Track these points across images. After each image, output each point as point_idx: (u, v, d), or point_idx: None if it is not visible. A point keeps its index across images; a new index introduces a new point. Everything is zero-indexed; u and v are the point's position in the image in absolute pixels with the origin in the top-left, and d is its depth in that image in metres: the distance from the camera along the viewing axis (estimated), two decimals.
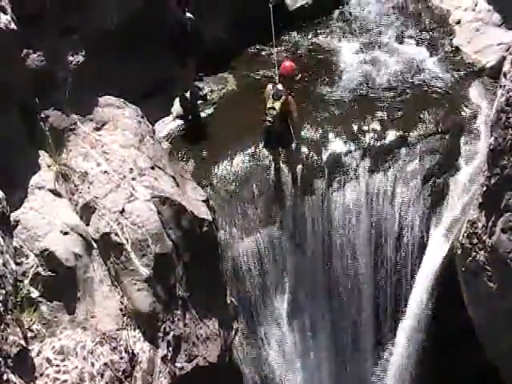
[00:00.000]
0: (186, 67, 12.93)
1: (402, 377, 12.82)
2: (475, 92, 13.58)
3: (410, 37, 14.91)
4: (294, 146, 12.23)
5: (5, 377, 6.49)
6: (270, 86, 11.81)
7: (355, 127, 12.79)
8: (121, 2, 12.08)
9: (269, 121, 11.62)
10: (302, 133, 12.60)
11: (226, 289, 11.21)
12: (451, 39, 14.67)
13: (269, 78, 13.31)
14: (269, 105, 11.62)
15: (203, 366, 10.10)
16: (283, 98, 11.56)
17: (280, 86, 11.65)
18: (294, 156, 12.36)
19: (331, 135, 12.68)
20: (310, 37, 14.94)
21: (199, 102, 13.43)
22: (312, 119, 12.95)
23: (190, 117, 13.15)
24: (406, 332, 12.53)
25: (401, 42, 14.82)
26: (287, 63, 12.07)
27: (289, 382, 12.79)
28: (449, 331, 11.86)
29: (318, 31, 15.04)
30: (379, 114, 13.03)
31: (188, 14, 12.59)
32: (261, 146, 12.27)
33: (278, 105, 11.54)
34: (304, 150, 12.50)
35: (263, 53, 14.50)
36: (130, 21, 12.08)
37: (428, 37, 14.88)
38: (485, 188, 10.73)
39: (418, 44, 14.79)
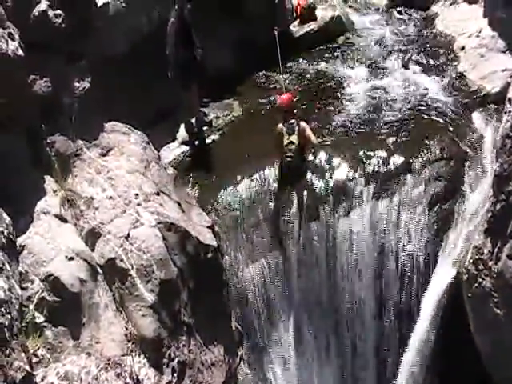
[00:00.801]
0: (190, 93, 12.98)
1: None
2: (480, 118, 13.58)
3: (415, 63, 15.02)
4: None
5: None
6: (280, 125, 11.80)
7: (360, 153, 12.76)
8: (128, 29, 12.20)
9: (290, 156, 11.70)
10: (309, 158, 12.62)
11: (231, 315, 11.19)
12: (456, 65, 14.75)
13: (273, 107, 13.41)
14: (286, 141, 11.67)
15: None
16: (296, 128, 11.62)
17: (291, 120, 11.71)
18: (301, 182, 12.37)
19: (336, 161, 12.66)
20: (315, 64, 15.09)
21: (204, 127, 13.48)
22: (317, 146, 12.95)
23: (195, 142, 13.20)
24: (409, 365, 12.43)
25: (406, 68, 14.90)
26: (284, 96, 12.12)
27: None
28: (456, 362, 11.78)
29: (323, 58, 15.20)
30: (384, 140, 13.03)
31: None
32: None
33: (294, 138, 11.62)
34: (309, 176, 12.50)
35: (268, 79, 14.67)
36: (136, 48, 12.17)
37: (433, 63, 15.00)
38: (490, 214, 10.73)
39: (422, 70, 14.89)
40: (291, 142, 11.65)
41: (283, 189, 12.28)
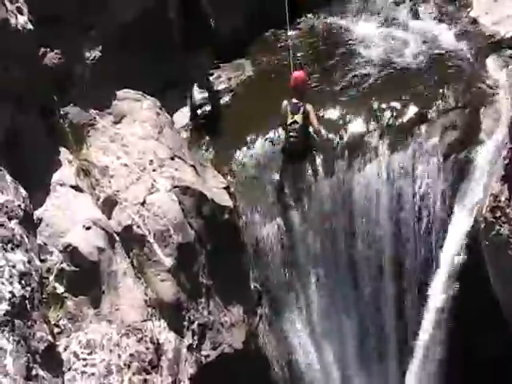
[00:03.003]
0: (200, 57, 12.95)
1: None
2: (494, 64, 13.44)
3: (426, 12, 14.82)
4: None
5: (33, 372, 6.49)
6: (285, 102, 11.71)
7: (374, 106, 12.73)
8: None
9: (293, 136, 11.62)
10: (322, 114, 12.58)
11: (249, 275, 11.34)
12: (468, 11, 14.52)
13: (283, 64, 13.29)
14: (289, 120, 11.58)
15: (229, 353, 10.26)
16: (302, 109, 11.54)
17: (295, 100, 11.62)
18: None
19: (350, 115, 12.63)
20: (325, 18, 14.92)
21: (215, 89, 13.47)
22: (330, 100, 12.93)
23: (206, 106, 13.20)
24: (431, 313, 12.53)
25: (417, 18, 14.75)
26: (297, 73, 11.96)
27: (315, 364, 12.90)
28: (474, 308, 11.85)
29: (333, 12, 15.00)
30: (398, 91, 12.97)
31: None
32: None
33: (299, 117, 11.52)
34: (323, 130, 12.43)
35: (279, 37, 14.49)
36: (146, 15, 12.14)
37: (444, 10, 14.76)
38: (507, 161, 10.75)
39: (434, 19, 14.69)
40: (295, 122, 11.56)
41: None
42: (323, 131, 12.33)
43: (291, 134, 11.62)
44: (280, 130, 12.27)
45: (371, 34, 14.41)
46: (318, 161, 12.30)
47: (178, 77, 12.82)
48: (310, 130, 11.92)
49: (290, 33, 13.64)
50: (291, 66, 12.31)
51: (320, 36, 14.59)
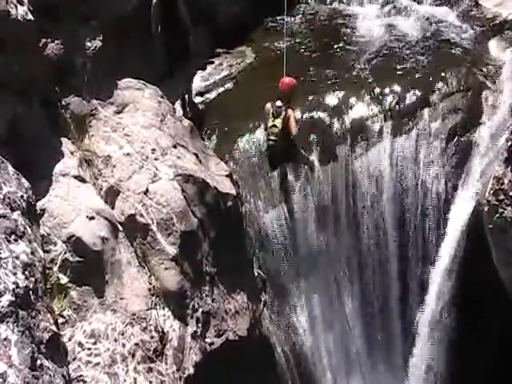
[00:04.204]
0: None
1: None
2: (496, 46, 13.49)
3: None
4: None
5: (38, 362, 6.50)
6: (268, 104, 11.63)
7: (376, 90, 12.77)
8: None
9: (272, 139, 11.54)
10: (324, 99, 12.64)
11: (253, 262, 11.37)
12: None
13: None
14: (269, 123, 11.51)
15: (233, 340, 10.28)
16: (283, 114, 11.43)
17: (279, 103, 11.50)
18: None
19: (352, 100, 12.68)
20: (326, 3, 14.91)
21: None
22: (332, 85, 12.96)
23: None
24: (433, 295, 12.56)
25: (419, 2, 14.72)
26: (287, 79, 11.77)
27: (319, 349, 12.93)
28: (476, 291, 11.87)
29: None
30: (400, 75, 13.03)
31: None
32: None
33: (278, 122, 11.40)
34: (325, 116, 12.48)
35: (280, 23, 14.48)
36: (144, 4, 12.12)
37: None
38: (510, 143, 10.73)
39: (435, 1, 14.68)
40: (274, 126, 11.47)
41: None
42: (325, 117, 12.38)
43: (270, 137, 11.56)
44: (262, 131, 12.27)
45: (373, 19, 14.39)
46: (321, 146, 12.30)
47: (181, 64, 12.82)
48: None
49: (286, 19, 13.57)
50: (284, 66, 12.07)
51: (321, 20, 14.61)
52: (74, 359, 7.84)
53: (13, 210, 7.39)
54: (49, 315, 7.32)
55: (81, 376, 7.85)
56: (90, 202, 9.26)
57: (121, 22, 11.54)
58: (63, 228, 8.76)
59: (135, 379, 8.25)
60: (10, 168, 7.82)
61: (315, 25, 14.37)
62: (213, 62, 13.67)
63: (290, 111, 11.47)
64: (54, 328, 7.26)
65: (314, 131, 12.45)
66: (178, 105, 12.94)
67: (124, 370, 8.13)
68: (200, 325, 9.69)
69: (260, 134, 12.33)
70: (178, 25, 12.32)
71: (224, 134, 12.57)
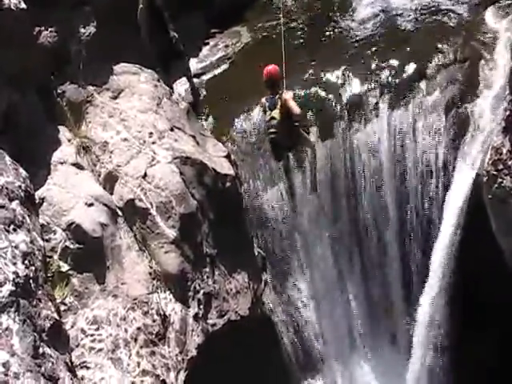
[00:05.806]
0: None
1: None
2: (493, 15, 13.28)
3: None
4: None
5: (40, 350, 6.61)
6: (263, 99, 10.99)
7: (373, 65, 12.72)
8: None
9: (272, 132, 10.84)
10: (321, 75, 12.60)
11: (253, 241, 11.42)
12: None
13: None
14: (267, 117, 10.88)
15: (235, 320, 10.37)
16: (278, 102, 10.74)
17: (270, 94, 10.85)
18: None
19: (349, 75, 12.63)
20: None
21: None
22: (328, 60, 12.95)
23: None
24: (435, 268, 12.55)
25: None
26: (270, 66, 10.89)
27: (320, 325, 13.02)
28: (477, 262, 11.91)
29: None
30: (396, 49, 12.94)
31: None
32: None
33: (276, 113, 10.68)
34: (322, 92, 12.46)
35: (274, 1, 14.46)
36: None
37: None
38: (508, 112, 10.72)
39: None
40: (273, 118, 10.76)
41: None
42: (323, 93, 12.34)
43: (270, 130, 10.87)
44: None
45: None
46: (319, 123, 12.28)
47: (175, 47, 12.80)
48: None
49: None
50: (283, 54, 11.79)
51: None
52: (77, 346, 7.95)
53: (11, 199, 7.48)
54: (50, 303, 7.42)
55: (84, 362, 7.95)
56: (88, 189, 9.33)
57: (114, 7, 11.37)
58: (62, 216, 8.83)
59: (138, 363, 8.34)
60: (8, 158, 7.90)
61: (310, 1, 14.24)
62: (208, 44, 13.61)
63: (283, 95, 11.09)
64: (55, 316, 7.36)
65: (312, 108, 12.40)
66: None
67: (127, 355, 8.23)
68: (202, 306, 9.78)
69: (257, 114, 12.29)
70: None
71: (221, 114, 12.57)
